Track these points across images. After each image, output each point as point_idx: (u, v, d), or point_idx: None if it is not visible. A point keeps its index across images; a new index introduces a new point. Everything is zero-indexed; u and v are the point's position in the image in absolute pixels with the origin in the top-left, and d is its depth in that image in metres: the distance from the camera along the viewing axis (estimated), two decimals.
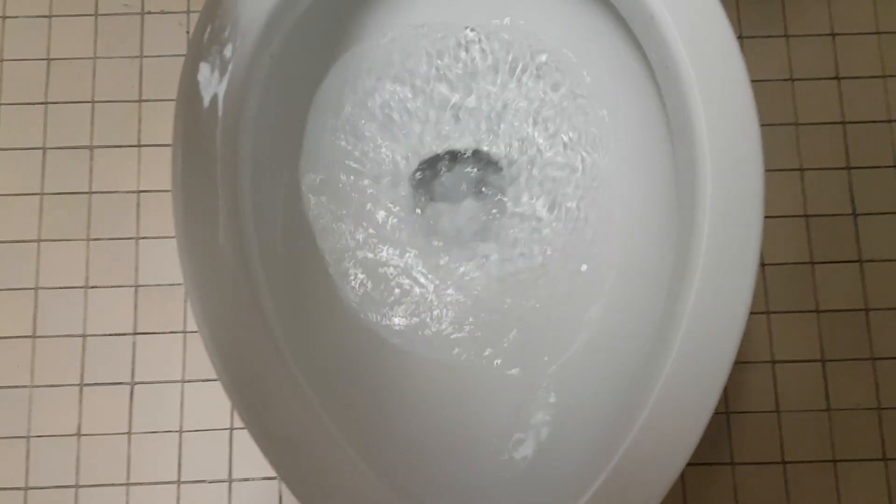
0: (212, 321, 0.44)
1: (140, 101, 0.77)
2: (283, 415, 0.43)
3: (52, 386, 0.72)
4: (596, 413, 0.47)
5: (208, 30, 0.46)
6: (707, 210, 0.42)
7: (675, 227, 0.47)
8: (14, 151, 0.76)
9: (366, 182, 0.59)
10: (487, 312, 0.56)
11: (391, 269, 0.57)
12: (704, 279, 0.42)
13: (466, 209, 0.61)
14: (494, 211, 0.60)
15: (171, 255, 0.74)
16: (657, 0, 0.45)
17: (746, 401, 0.72)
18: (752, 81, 0.77)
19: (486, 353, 0.55)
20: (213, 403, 0.72)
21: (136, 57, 0.78)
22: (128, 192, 0.76)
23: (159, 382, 0.72)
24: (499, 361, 0.55)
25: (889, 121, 0.77)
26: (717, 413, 0.71)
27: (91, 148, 0.77)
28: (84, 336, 0.73)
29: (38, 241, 0.75)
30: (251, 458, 0.71)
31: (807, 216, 0.75)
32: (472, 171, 0.62)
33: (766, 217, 0.73)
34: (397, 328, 0.56)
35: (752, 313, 0.73)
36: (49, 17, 0.79)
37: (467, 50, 0.60)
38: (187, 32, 0.79)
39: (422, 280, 0.57)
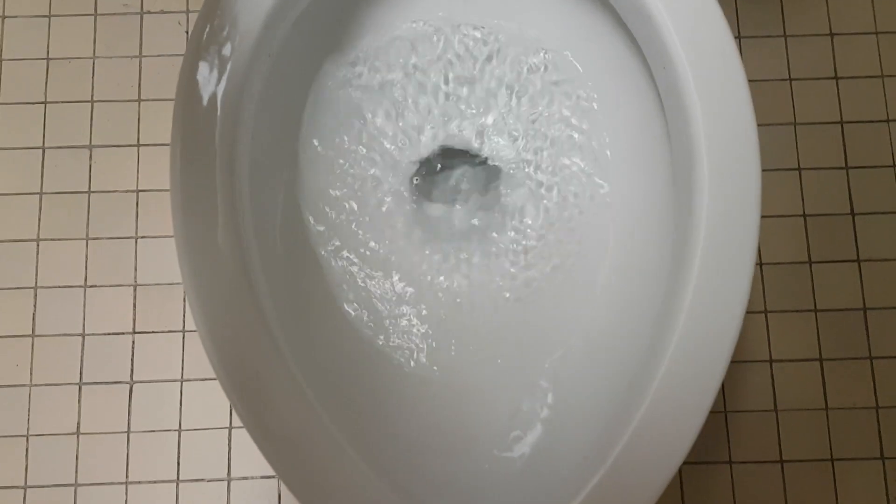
0: (210, 320, 0.44)
1: (139, 100, 0.77)
2: (283, 414, 0.43)
3: (51, 385, 0.72)
4: (593, 411, 0.48)
5: (207, 29, 0.46)
6: (704, 209, 0.42)
7: (673, 227, 0.47)
8: (13, 151, 0.76)
9: (365, 182, 0.59)
10: (485, 311, 0.56)
11: (391, 266, 0.58)
12: (701, 278, 0.42)
13: (465, 209, 0.61)
14: (492, 211, 0.60)
15: (170, 255, 0.74)
16: (655, 1, 0.46)
17: (744, 400, 0.72)
18: (751, 81, 0.77)
19: (484, 351, 0.55)
20: (211, 402, 0.72)
21: (136, 57, 0.78)
22: (127, 191, 0.76)
23: (158, 381, 0.72)
24: (496, 360, 0.55)
25: (887, 120, 0.77)
26: (715, 412, 0.71)
27: (90, 147, 0.77)
28: (83, 335, 0.73)
29: (38, 240, 0.75)
30: (250, 457, 0.71)
31: (805, 216, 0.75)
32: (470, 171, 0.62)
33: (764, 217, 0.74)
34: (398, 328, 0.56)
35: (750, 312, 0.73)
36: (48, 16, 0.79)
37: (466, 49, 0.61)
38: (187, 32, 0.79)
39: (420, 279, 0.57)
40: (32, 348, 0.73)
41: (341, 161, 0.59)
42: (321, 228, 0.58)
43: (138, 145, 0.77)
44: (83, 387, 0.72)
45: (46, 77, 0.78)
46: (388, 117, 0.60)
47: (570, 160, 0.58)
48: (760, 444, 0.71)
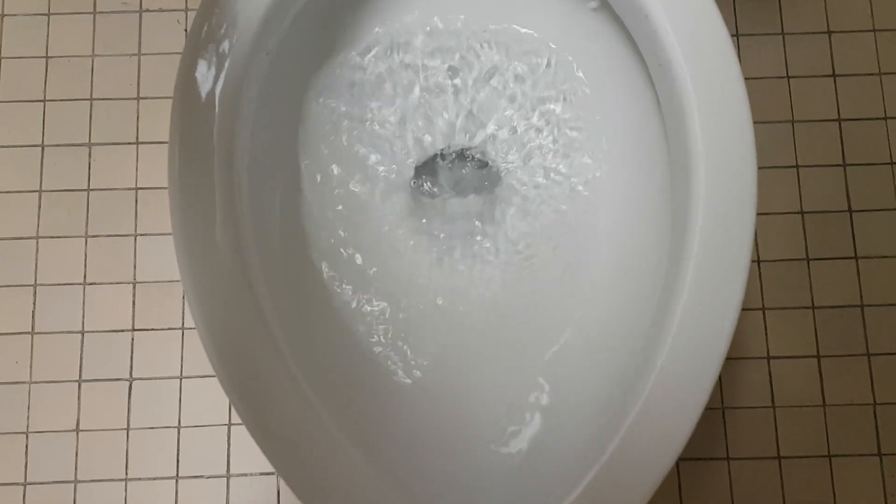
0: (209, 318, 0.44)
1: (138, 98, 0.78)
2: (282, 412, 0.43)
3: (50, 382, 0.72)
4: (590, 406, 0.48)
5: (205, 27, 0.46)
6: (700, 207, 0.43)
7: (670, 225, 0.47)
8: (13, 149, 0.77)
9: (363, 179, 0.59)
10: (483, 308, 0.57)
11: (389, 263, 0.58)
12: (697, 276, 0.42)
13: (463, 206, 0.61)
14: (491, 210, 0.60)
15: (169, 252, 0.74)
16: None
17: (742, 396, 0.72)
18: (749, 79, 0.77)
19: (482, 347, 0.56)
20: (210, 399, 0.72)
21: (135, 55, 0.79)
22: (126, 189, 0.76)
23: (157, 378, 0.72)
24: (493, 356, 0.55)
25: (885, 118, 0.77)
26: (712, 408, 0.71)
27: (89, 145, 0.77)
28: (83, 332, 0.73)
29: (37, 237, 0.75)
30: (249, 454, 0.71)
31: (802, 213, 0.75)
32: (468, 171, 0.62)
33: (762, 214, 0.74)
34: (395, 325, 0.56)
35: (747, 309, 0.73)
36: (47, 14, 0.79)
37: (464, 49, 0.61)
38: (185, 30, 0.79)
39: (417, 276, 0.57)
40: (32, 345, 0.73)
41: (340, 159, 0.59)
42: (320, 226, 0.58)
43: (137, 143, 0.77)
44: (83, 384, 0.72)
45: (46, 75, 0.78)
46: (387, 116, 0.60)
47: (568, 159, 0.59)
48: (758, 440, 0.71)
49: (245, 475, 0.71)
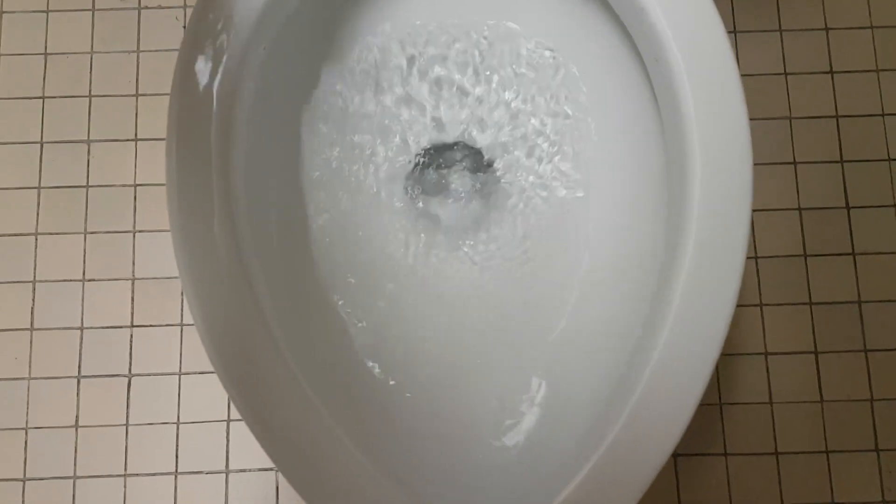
0: (207, 314, 0.44)
1: (137, 95, 0.78)
2: (281, 407, 0.43)
3: (49, 378, 0.72)
4: (586, 401, 0.48)
5: (203, 22, 0.46)
6: (696, 203, 0.43)
7: (666, 220, 0.47)
8: (12, 146, 0.77)
9: (362, 174, 0.59)
10: (480, 303, 0.57)
11: (386, 259, 0.58)
12: (692, 271, 0.42)
13: (459, 205, 0.61)
14: (488, 206, 0.60)
15: (167, 249, 0.74)
16: None
17: (739, 392, 0.72)
18: (747, 75, 0.78)
19: (479, 341, 0.56)
20: (209, 395, 0.72)
21: (133, 52, 0.79)
22: (125, 185, 0.76)
23: (156, 375, 0.73)
24: (490, 351, 0.56)
25: (882, 115, 0.77)
26: (710, 404, 0.72)
27: (88, 142, 0.77)
28: (82, 329, 0.73)
29: (36, 234, 0.75)
30: (248, 450, 0.71)
31: (800, 209, 0.75)
32: (465, 165, 0.62)
33: (759, 210, 0.75)
34: (392, 319, 0.56)
35: (745, 305, 0.74)
36: (46, 11, 0.79)
37: (462, 47, 0.61)
38: (184, 27, 0.79)
39: (414, 271, 0.58)
40: (31, 342, 0.73)
41: (337, 155, 0.59)
42: (317, 221, 0.58)
43: (136, 140, 0.77)
44: (82, 380, 0.72)
45: (44, 72, 0.78)
46: (385, 114, 0.60)
47: (564, 154, 0.59)
48: (756, 436, 0.71)
49: (244, 471, 0.71)
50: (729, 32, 0.79)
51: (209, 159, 0.46)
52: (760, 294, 0.74)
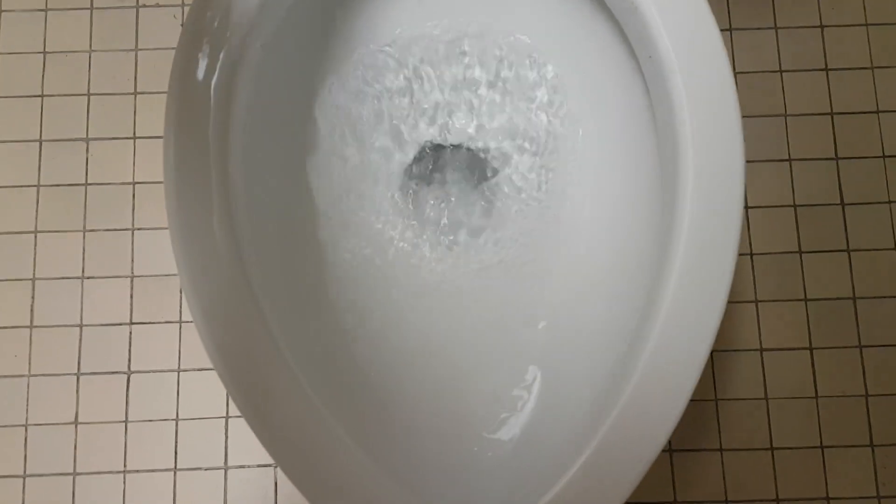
0: (206, 311, 0.44)
1: (135, 93, 0.78)
2: (280, 403, 0.43)
3: (49, 375, 0.73)
4: (580, 394, 0.48)
5: (200, 19, 0.47)
6: (688, 199, 0.43)
7: (660, 215, 0.47)
8: (11, 144, 0.77)
9: (360, 173, 0.59)
10: (477, 298, 0.57)
11: (383, 257, 0.58)
12: (685, 266, 0.42)
13: (457, 200, 0.61)
14: (484, 202, 0.60)
15: (166, 246, 0.74)
16: None
17: (735, 388, 0.72)
18: (742, 73, 0.78)
19: (475, 335, 0.56)
20: (208, 392, 0.72)
21: (132, 50, 0.79)
22: (123, 183, 0.76)
23: (155, 371, 0.73)
24: (486, 344, 0.56)
25: (877, 112, 0.77)
26: (705, 400, 0.72)
27: (87, 140, 0.77)
28: (81, 326, 0.73)
29: (35, 232, 0.75)
30: (246, 446, 0.71)
31: (795, 206, 0.76)
32: (463, 165, 0.62)
33: (754, 207, 0.75)
34: (389, 314, 0.57)
35: (740, 302, 0.74)
36: (45, 10, 0.80)
37: (457, 44, 0.61)
38: (182, 25, 0.79)
39: (411, 267, 0.58)
40: (31, 339, 0.73)
41: (336, 154, 0.59)
42: (315, 219, 0.58)
43: (134, 138, 0.77)
44: (81, 377, 0.73)
45: (43, 71, 0.78)
46: (382, 110, 0.60)
47: (559, 152, 0.59)
48: (751, 431, 0.72)
49: (242, 467, 0.71)
50: (724, 30, 0.79)
51: (207, 156, 0.46)
52: (755, 290, 0.74)
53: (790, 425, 0.72)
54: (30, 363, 0.73)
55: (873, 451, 0.71)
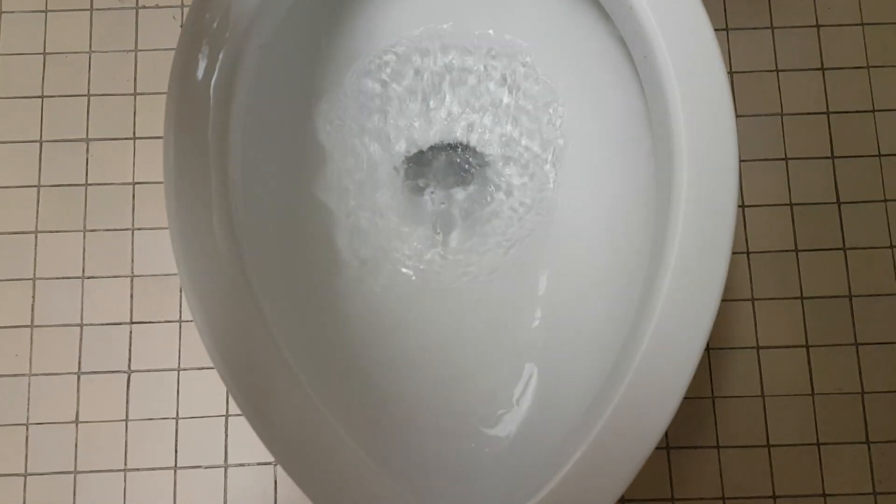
0: (206, 310, 0.44)
1: (135, 94, 0.78)
2: (281, 402, 0.43)
3: (50, 374, 0.73)
4: (576, 391, 0.49)
5: (199, 20, 0.47)
6: (682, 199, 0.43)
7: (655, 213, 0.47)
8: (11, 144, 0.77)
9: (356, 171, 0.60)
10: (475, 296, 0.57)
11: (383, 257, 0.59)
12: (679, 265, 0.42)
13: (456, 201, 0.62)
14: (483, 203, 0.61)
15: (166, 246, 0.75)
16: None
17: (732, 385, 0.73)
18: (739, 72, 0.78)
19: (473, 333, 0.57)
20: (208, 391, 0.73)
21: (131, 51, 0.79)
22: (123, 183, 0.76)
23: (155, 371, 0.73)
24: (484, 342, 0.56)
25: (872, 111, 0.78)
26: (702, 398, 0.72)
27: (87, 141, 0.77)
28: (81, 325, 0.74)
29: (36, 232, 0.75)
30: (246, 444, 0.72)
31: (791, 205, 0.76)
32: (461, 165, 0.63)
33: (751, 206, 0.75)
34: (387, 311, 0.57)
35: (737, 300, 0.74)
36: (45, 11, 0.80)
37: (457, 45, 0.61)
38: (181, 26, 0.80)
39: (408, 264, 0.58)
40: (32, 338, 0.74)
41: (333, 151, 0.60)
42: (316, 216, 0.58)
43: (134, 138, 0.77)
44: (82, 376, 0.73)
45: (43, 72, 0.79)
46: (379, 110, 0.60)
47: (558, 153, 0.59)
48: (748, 428, 0.72)
49: (242, 465, 0.71)
50: (721, 30, 0.80)
51: (207, 156, 0.46)
52: (752, 289, 0.74)
53: (787, 422, 0.72)
54: (30, 362, 0.73)
55: (869, 447, 0.72)
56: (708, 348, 0.73)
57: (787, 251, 0.75)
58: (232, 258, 0.45)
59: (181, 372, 0.73)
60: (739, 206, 0.75)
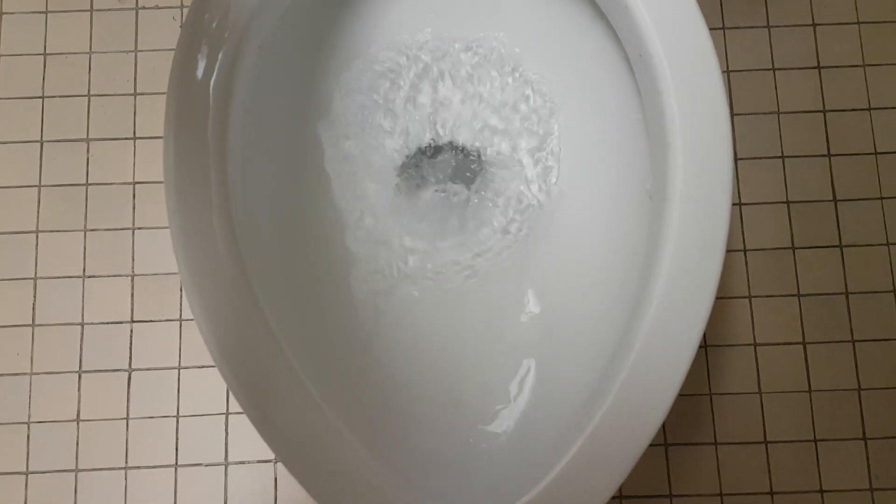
0: (206, 308, 0.45)
1: (135, 94, 0.78)
2: (282, 399, 0.44)
3: (51, 373, 0.73)
4: (572, 388, 0.49)
5: (198, 20, 0.47)
6: (677, 195, 0.44)
7: (650, 212, 0.48)
8: (12, 145, 0.78)
9: (355, 170, 0.60)
10: (472, 292, 0.58)
11: (383, 255, 0.59)
12: (674, 262, 0.43)
13: (454, 200, 0.62)
14: (481, 202, 0.61)
15: (166, 245, 0.75)
16: None
17: (729, 382, 0.73)
18: (735, 71, 0.79)
19: (471, 329, 0.57)
20: (208, 389, 0.73)
21: (131, 51, 0.79)
22: (124, 183, 0.77)
23: (156, 369, 0.73)
24: (481, 338, 0.57)
25: (869, 109, 0.78)
26: (700, 394, 0.72)
27: (87, 141, 0.78)
28: (82, 324, 0.74)
29: (37, 231, 0.76)
30: (247, 442, 0.72)
31: (788, 202, 0.76)
32: (454, 163, 0.63)
33: (748, 203, 0.76)
34: (386, 309, 0.57)
35: (734, 297, 0.74)
36: (45, 12, 0.80)
37: (456, 45, 0.62)
38: (181, 26, 0.80)
39: (407, 261, 0.58)
40: (33, 337, 0.74)
41: (334, 152, 0.60)
42: (315, 216, 0.59)
43: (134, 138, 0.77)
44: (83, 375, 0.73)
45: (44, 72, 0.79)
46: (376, 110, 0.61)
47: (556, 152, 0.60)
48: (745, 425, 0.72)
49: (243, 463, 0.72)
50: (717, 29, 0.80)
51: (206, 156, 0.46)
52: (749, 286, 0.75)
53: (784, 419, 0.72)
54: (32, 361, 0.73)
55: (866, 444, 0.72)
56: (705, 345, 0.73)
57: (783, 248, 0.75)
58: (232, 257, 0.46)
59: (181, 370, 0.73)
60: (736, 204, 0.75)
